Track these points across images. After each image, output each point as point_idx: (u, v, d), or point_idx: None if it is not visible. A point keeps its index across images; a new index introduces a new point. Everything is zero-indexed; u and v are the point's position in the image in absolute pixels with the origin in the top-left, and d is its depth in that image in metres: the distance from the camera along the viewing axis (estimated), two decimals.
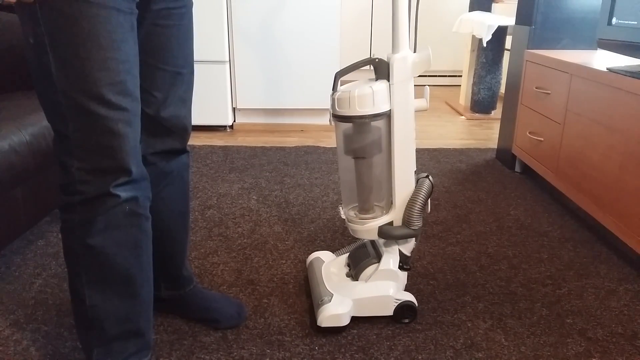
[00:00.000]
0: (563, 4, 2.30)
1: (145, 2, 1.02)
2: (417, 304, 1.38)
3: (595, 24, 2.31)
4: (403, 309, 1.35)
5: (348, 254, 1.48)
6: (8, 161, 1.45)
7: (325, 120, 3.32)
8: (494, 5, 3.85)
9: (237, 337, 1.31)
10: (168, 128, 1.15)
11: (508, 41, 3.37)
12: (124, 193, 0.96)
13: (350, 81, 1.31)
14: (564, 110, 2.03)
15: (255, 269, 1.62)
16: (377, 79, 1.24)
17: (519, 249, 1.77)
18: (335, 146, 2.85)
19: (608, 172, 1.73)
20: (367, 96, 1.21)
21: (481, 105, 3.59)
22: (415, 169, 1.30)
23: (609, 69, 1.75)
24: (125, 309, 1.04)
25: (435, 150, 2.83)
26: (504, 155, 2.62)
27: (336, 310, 1.30)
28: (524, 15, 2.41)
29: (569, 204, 2.12)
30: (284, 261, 1.67)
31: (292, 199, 2.17)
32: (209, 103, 3.13)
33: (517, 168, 2.53)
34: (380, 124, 1.26)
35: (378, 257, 1.37)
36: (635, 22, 1.72)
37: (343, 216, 1.39)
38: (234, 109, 3.26)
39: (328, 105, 3.19)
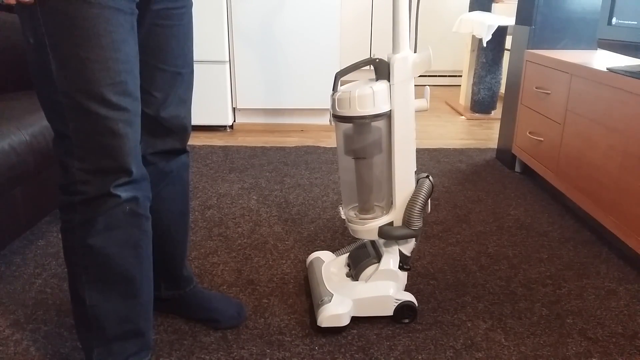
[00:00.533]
0: (563, 4, 2.30)
1: (145, 2, 1.02)
2: (417, 304, 1.38)
3: (595, 24, 2.31)
4: (403, 309, 1.35)
5: (348, 254, 1.48)
6: (8, 161, 1.45)
7: (325, 120, 3.32)
8: (494, 5, 3.85)
9: (237, 337, 1.31)
10: (168, 128, 1.15)
11: (508, 41, 3.37)
12: (124, 193, 0.96)
13: (351, 81, 1.31)
14: (564, 110, 2.03)
15: (255, 269, 1.62)
16: (377, 79, 1.24)
17: (519, 249, 1.77)
18: (336, 146, 2.85)
19: (608, 172, 1.73)
20: (368, 96, 1.21)
21: (481, 105, 3.59)
22: (415, 169, 1.30)
23: (609, 69, 1.75)
24: (126, 309, 1.04)
25: (435, 150, 2.83)
26: (504, 155, 2.62)
27: (336, 310, 1.30)
28: (524, 15, 2.41)
29: (569, 204, 2.12)
30: (284, 261, 1.67)
31: (292, 199, 2.17)
32: (209, 103, 3.13)
33: (517, 168, 2.53)
34: (380, 124, 1.26)
35: (378, 257, 1.37)
36: (635, 22, 1.72)
37: (343, 216, 1.39)
38: (234, 109, 3.26)
39: (328, 105, 3.19)
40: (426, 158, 2.70)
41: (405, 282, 1.39)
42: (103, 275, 1.00)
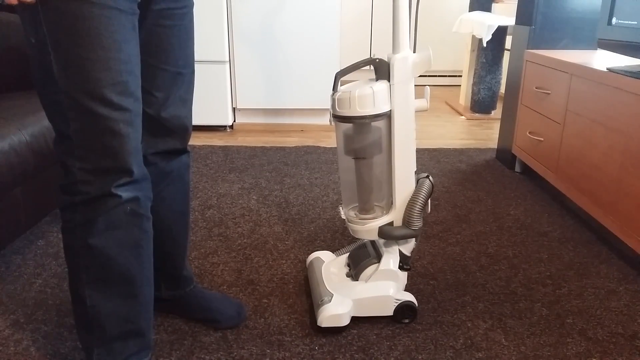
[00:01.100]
0: (563, 4, 2.30)
1: (146, 3, 1.02)
2: (417, 304, 1.38)
3: (595, 24, 2.31)
4: (403, 309, 1.36)
5: (348, 254, 1.48)
6: (8, 161, 1.45)
7: (325, 120, 3.32)
8: (494, 5, 3.85)
9: (237, 337, 1.31)
10: (169, 128, 1.15)
11: (508, 41, 3.37)
12: (125, 193, 0.96)
13: (351, 81, 1.31)
14: (564, 110, 2.03)
15: (255, 269, 1.62)
16: (377, 79, 1.24)
17: (519, 249, 1.77)
18: (335, 146, 2.85)
19: (608, 172, 1.73)
20: (368, 96, 1.21)
21: (481, 105, 3.59)
22: (415, 169, 1.31)
23: (609, 69, 1.75)
24: (126, 309, 1.04)
25: (435, 150, 2.83)
26: (504, 155, 2.62)
27: (336, 310, 1.30)
28: (524, 15, 2.41)
29: (569, 204, 2.12)
30: (284, 261, 1.67)
31: (292, 199, 2.17)
32: (209, 103, 3.13)
33: (517, 168, 2.53)
34: (380, 124, 1.26)
35: (378, 257, 1.37)
36: (635, 22, 1.72)
37: (343, 216, 1.39)
38: (234, 109, 3.26)
39: (328, 105, 3.19)
40: (426, 158, 2.70)
41: (405, 282, 1.39)
42: (103, 275, 1.00)
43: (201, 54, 3.00)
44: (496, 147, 2.77)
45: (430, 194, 1.30)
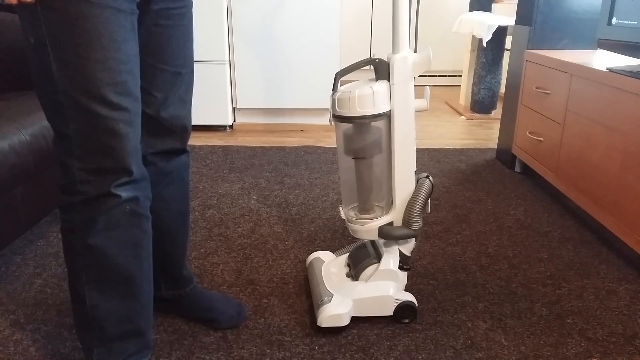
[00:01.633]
0: (563, 4, 2.30)
1: (145, 2, 1.02)
2: (417, 304, 1.38)
3: (595, 24, 2.31)
4: (403, 309, 1.35)
5: (348, 254, 1.48)
6: (8, 161, 1.45)
7: (325, 120, 3.32)
8: (494, 5, 3.85)
9: (237, 337, 1.31)
10: (168, 128, 1.15)
11: (508, 41, 3.37)
12: (124, 193, 0.96)
13: (351, 81, 1.31)
14: (564, 110, 2.03)
15: (255, 269, 1.62)
16: (377, 79, 1.24)
17: (519, 249, 1.77)
18: (335, 146, 2.85)
19: (608, 172, 1.73)
20: (368, 96, 1.21)
21: (481, 105, 3.59)
22: (415, 169, 1.30)
23: (609, 69, 1.75)
24: (126, 309, 1.04)
25: (435, 150, 2.83)
26: (504, 155, 2.62)
27: (336, 310, 1.30)
28: (524, 15, 2.41)
29: (569, 204, 2.12)
30: (284, 261, 1.67)
31: (292, 199, 2.17)
32: (209, 103, 3.13)
33: (517, 168, 2.53)
34: (380, 124, 1.26)
35: (378, 257, 1.37)
36: (635, 22, 1.72)
37: (343, 216, 1.39)
38: (234, 109, 3.26)
39: (328, 105, 3.19)
40: (426, 158, 2.70)
41: (405, 282, 1.39)
42: (103, 275, 1.00)
43: (201, 54, 3.00)
44: (496, 147, 2.77)
45: (430, 194, 1.30)
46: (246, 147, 2.88)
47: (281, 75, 3.15)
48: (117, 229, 0.98)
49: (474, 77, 3.60)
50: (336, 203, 2.13)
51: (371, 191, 1.34)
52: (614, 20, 1.82)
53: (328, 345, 1.29)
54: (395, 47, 1.22)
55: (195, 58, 1.19)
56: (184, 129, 1.19)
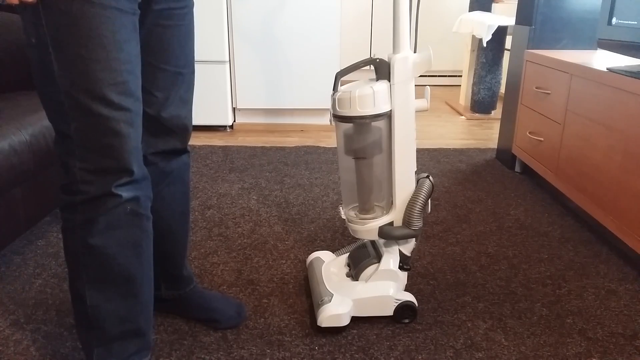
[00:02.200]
0: (563, 4, 2.30)
1: (146, 3, 1.02)
2: (417, 304, 1.38)
3: (595, 24, 2.31)
4: (403, 309, 1.36)
5: (348, 254, 1.48)
6: (8, 161, 1.45)
7: (325, 120, 3.32)
8: (494, 5, 3.85)
9: (237, 337, 1.31)
10: (169, 128, 1.15)
11: (508, 41, 3.37)
12: (125, 193, 0.96)
13: (351, 81, 1.31)
14: (564, 110, 2.03)
15: (255, 269, 1.62)
16: (377, 79, 1.24)
17: (519, 249, 1.77)
18: (336, 146, 2.85)
19: (608, 172, 1.73)
20: (368, 96, 1.21)
21: (481, 105, 3.59)
22: (415, 169, 1.31)
23: (609, 69, 1.75)
24: (126, 308, 1.04)
25: (435, 150, 2.83)
26: (504, 155, 2.62)
27: (336, 310, 1.30)
28: (524, 15, 2.41)
29: (569, 204, 2.12)
30: (284, 261, 1.67)
31: (292, 199, 2.17)
32: (209, 103, 3.13)
33: (517, 168, 2.53)
34: (380, 124, 1.26)
35: (378, 257, 1.37)
36: (635, 22, 1.72)
37: (343, 216, 1.39)
38: (234, 109, 3.26)
39: (328, 105, 3.19)
40: (426, 158, 2.70)
41: (405, 282, 1.39)
42: (104, 275, 1.00)
43: (201, 54, 3.00)
44: (496, 147, 2.77)
45: (430, 194, 1.30)
46: (246, 147, 2.88)
47: (281, 75, 3.15)
48: (118, 229, 0.98)
49: (474, 77, 3.60)
50: (336, 203, 2.13)
51: (371, 191, 1.34)
52: (614, 20, 1.82)
53: (328, 345, 1.29)
54: (395, 47, 1.22)
55: (195, 58, 1.19)
56: (185, 128, 1.19)
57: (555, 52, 2.26)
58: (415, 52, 1.24)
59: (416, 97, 1.25)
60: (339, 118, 1.25)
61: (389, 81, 1.23)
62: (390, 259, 1.35)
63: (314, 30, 3.06)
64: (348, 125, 1.28)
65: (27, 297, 1.46)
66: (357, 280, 1.38)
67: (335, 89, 1.25)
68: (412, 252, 1.38)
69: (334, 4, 3.02)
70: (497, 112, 3.60)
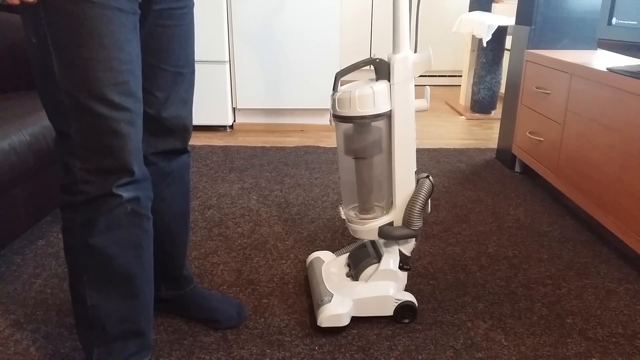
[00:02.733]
0: (563, 4, 2.30)
1: (147, 3, 1.02)
2: (417, 304, 1.38)
3: (595, 24, 2.31)
4: (403, 309, 1.36)
5: (348, 254, 1.48)
6: (8, 161, 1.45)
7: (325, 120, 3.32)
8: (494, 5, 3.85)
9: (237, 337, 1.31)
10: (169, 128, 1.15)
11: (508, 41, 3.37)
12: (126, 193, 0.96)
13: (351, 81, 1.31)
14: (564, 110, 2.03)
15: (255, 269, 1.62)
16: (377, 79, 1.24)
17: (519, 249, 1.77)
18: (336, 146, 2.85)
19: (608, 172, 1.73)
20: (368, 96, 1.21)
21: (481, 105, 3.59)
22: (415, 169, 1.31)
23: (609, 69, 1.75)
24: (126, 309, 1.04)
25: (435, 150, 2.83)
26: (504, 155, 2.62)
27: (336, 310, 1.30)
28: (524, 15, 2.41)
29: (569, 204, 2.12)
30: (284, 261, 1.67)
31: (292, 199, 2.17)
32: (209, 103, 3.13)
33: (517, 168, 2.53)
34: (380, 124, 1.26)
35: (378, 257, 1.37)
36: (635, 22, 1.72)
37: (343, 216, 1.39)
38: (234, 109, 3.26)
39: (328, 105, 3.19)
40: (426, 158, 2.70)
41: (405, 282, 1.39)
42: (104, 275, 1.00)
43: (201, 54, 3.00)
44: (496, 147, 2.77)
45: (430, 194, 1.30)
46: (246, 147, 2.88)
47: (281, 75, 3.15)
48: (118, 229, 0.98)
49: (474, 77, 3.60)
50: (336, 203, 2.13)
51: (371, 191, 1.34)
52: (614, 20, 1.82)
53: (328, 345, 1.29)
54: (395, 47, 1.22)
55: (195, 58, 1.19)
56: (185, 129, 1.19)
57: (555, 52, 2.26)
58: (415, 52, 1.24)
59: (416, 97, 1.25)
60: (338, 118, 1.25)
61: (389, 81, 1.23)
62: (390, 259, 1.35)
63: (314, 30, 3.06)
64: (348, 126, 1.28)
65: (27, 297, 1.46)
66: (357, 280, 1.38)
67: (335, 89, 1.25)
68: (412, 252, 1.38)
69: (334, 4, 3.02)
70: (497, 112, 3.60)
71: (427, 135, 3.15)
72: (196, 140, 3.01)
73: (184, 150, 1.22)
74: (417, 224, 1.30)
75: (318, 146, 2.90)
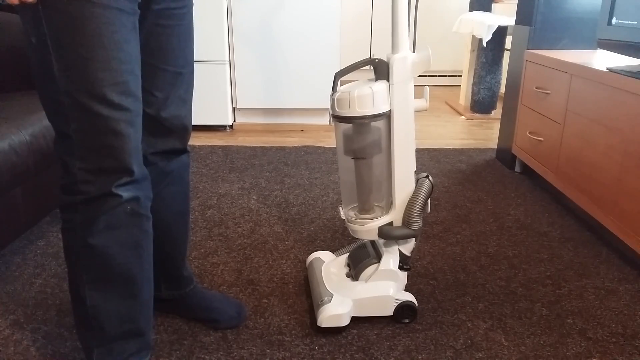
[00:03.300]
0: (563, 4, 2.30)
1: (146, 3, 1.02)
2: (417, 304, 1.38)
3: (595, 24, 2.31)
4: (403, 309, 1.36)
5: (348, 254, 1.48)
6: (8, 161, 1.45)
7: (325, 120, 3.32)
8: (494, 5, 3.85)
9: (237, 337, 1.31)
10: (168, 128, 1.15)
11: (508, 41, 3.37)
12: (125, 193, 0.96)
13: (350, 81, 1.31)
14: (564, 110, 2.03)
15: (255, 269, 1.62)
16: (376, 79, 1.24)
17: (519, 249, 1.77)
18: (335, 146, 2.84)
19: (608, 172, 1.73)
20: (367, 97, 1.21)
21: (481, 105, 3.59)
22: (415, 169, 1.31)
23: (609, 69, 1.75)
24: (126, 309, 1.04)
25: (435, 150, 2.83)
26: (504, 155, 2.62)
27: (336, 310, 1.30)
28: (524, 15, 2.41)
29: (569, 204, 2.12)
30: (284, 261, 1.67)
31: (292, 199, 2.17)
32: (209, 103, 3.13)
33: (517, 168, 2.53)
34: (380, 124, 1.26)
35: (378, 257, 1.37)
36: (635, 22, 1.72)
37: (343, 216, 1.39)
38: (234, 109, 3.26)
39: (328, 105, 3.19)
40: (426, 158, 2.70)
41: (405, 282, 1.39)
42: (103, 275, 1.00)
43: (201, 54, 3.00)
44: (496, 147, 2.77)
45: (430, 194, 1.30)
46: (246, 147, 2.88)
47: (281, 75, 3.15)
48: (118, 229, 0.98)
49: (474, 77, 3.60)
50: (336, 203, 2.13)
51: (371, 191, 1.34)
52: (614, 20, 1.82)
53: (328, 345, 1.29)
54: (394, 47, 1.22)
55: (195, 58, 1.19)
56: (185, 128, 1.19)
57: (555, 52, 2.26)
58: (414, 52, 1.24)
59: (415, 97, 1.25)
60: (338, 118, 1.25)
61: (388, 81, 1.23)
62: (390, 259, 1.35)
63: (314, 30, 3.06)
64: (347, 126, 1.28)
65: (27, 297, 1.46)
66: (357, 280, 1.38)
67: (334, 89, 1.25)
68: (412, 252, 1.38)
69: (334, 4, 3.02)
70: (497, 112, 3.60)
71: (427, 135, 3.15)
72: (196, 140, 3.01)
73: (183, 150, 1.22)
74: (417, 224, 1.30)
75: (318, 146, 2.90)
